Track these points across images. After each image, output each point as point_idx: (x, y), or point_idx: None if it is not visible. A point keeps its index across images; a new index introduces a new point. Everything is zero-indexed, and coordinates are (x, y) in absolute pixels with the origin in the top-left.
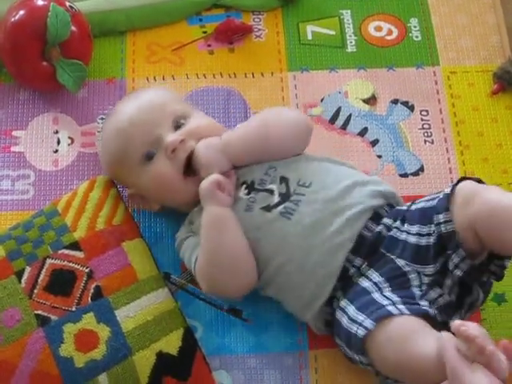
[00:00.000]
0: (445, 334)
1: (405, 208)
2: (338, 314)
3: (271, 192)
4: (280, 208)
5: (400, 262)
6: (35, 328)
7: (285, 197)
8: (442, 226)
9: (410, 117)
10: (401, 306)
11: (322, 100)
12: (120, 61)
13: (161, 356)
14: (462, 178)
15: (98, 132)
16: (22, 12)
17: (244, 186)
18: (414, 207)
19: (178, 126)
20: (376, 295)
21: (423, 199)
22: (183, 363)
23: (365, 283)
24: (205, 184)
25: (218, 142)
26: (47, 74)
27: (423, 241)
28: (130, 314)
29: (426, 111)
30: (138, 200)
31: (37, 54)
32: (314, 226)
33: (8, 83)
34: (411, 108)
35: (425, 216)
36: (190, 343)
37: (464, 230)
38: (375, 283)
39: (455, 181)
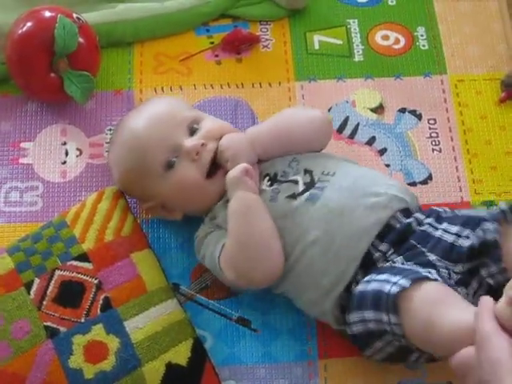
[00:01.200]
0: (485, 297)
1: (440, 210)
2: (361, 286)
3: (295, 182)
4: (306, 195)
5: (431, 256)
6: (44, 340)
7: (309, 185)
8: (490, 233)
9: (417, 125)
10: (436, 276)
11: (329, 109)
12: (128, 72)
13: (170, 367)
14: None
15: (107, 143)
16: (29, 24)
17: (267, 178)
18: (459, 213)
19: (192, 132)
20: (408, 266)
21: (469, 210)
22: (193, 374)
23: (393, 264)
24: (233, 172)
25: (243, 135)
26: (55, 86)
27: (460, 241)
28: (139, 325)
29: (434, 120)
30: (158, 212)
31: (44, 65)
32: (339, 210)
33: (16, 95)
34: (419, 117)
35: (469, 221)
36: (200, 354)
37: (505, 250)
38: (403, 264)
39: (463, 190)
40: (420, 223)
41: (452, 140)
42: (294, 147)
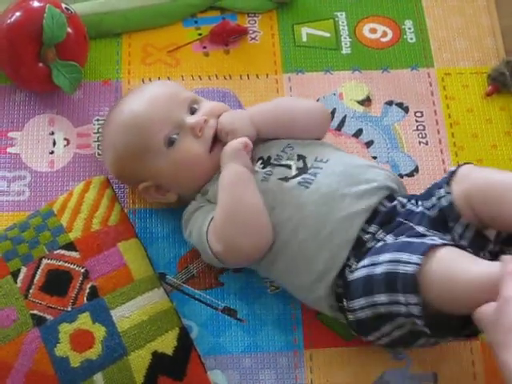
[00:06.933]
0: (507, 258)
1: (419, 195)
2: (364, 270)
3: (289, 167)
4: (298, 178)
5: (419, 229)
6: (31, 328)
7: (302, 170)
8: (443, 199)
9: (404, 118)
10: (440, 240)
11: (317, 101)
12: (116, 62)
13: (156, 356)
14: (467, 163)
15: (94, 133)
16: (18, 14)
17: (260, 161)
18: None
19: (192, 111)
20: (408, 239)
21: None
22: (178, 363)
23: (387, 242)
24: (233, 143)
25: (244, 111)
26: (43, 76)
27: (434, 211)
28: (126, 314)
29: (421, 113)
30: (153, 192)
31: (33, 55)
32: (331, 195)
33: (4, 84)
34: (406, 109)
35: (428, 192)
36: (186, 343)
37: (461, 205)
38: (397, 239)
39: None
40: (403, 205)
41: (439, 133)
42: (294, 130)
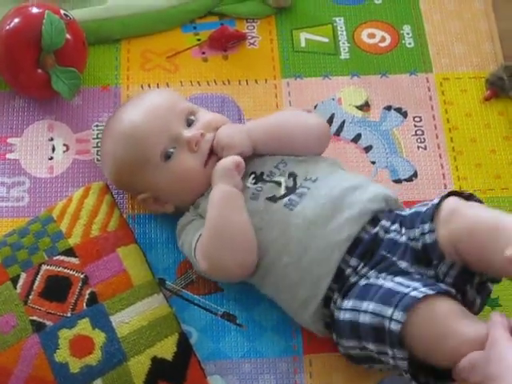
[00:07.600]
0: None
1: (404, 213)
2: (348, 314)
3: (279, 184)
4: (285, 200)
5: (402, 264)
6: (30, 334)
7: (291, 190)
8: (427, 236)
9: (403, 123)
10: (423, 289)
11: (315, 107)
12: (115, 68)
13: (156, 361)
14: (453, 193)
15: (93, 139)
16: (16, 20)
17: (252, 176)
18: (408, 212)
19: (189, 123)
20: (390, 284)
21: (418, 205)
22: (178, 368)
23: (370, 281)
24: (224, 162)
25: (242, 126)
26: (42, 82)
27: (418, 244)
28: (125, 320)
29: (419, 117)
30: (150, 204)
31: (32, 61)
32: (314, 221)
33: (3, 91)
34: (404, 114)
35: (411, 219)
36: (185, 348)
37: (446, 246)
38: (379, 278)
39: (448, 187)
40: (387, 231)
41: (437, 138)
42: (292, 147)
